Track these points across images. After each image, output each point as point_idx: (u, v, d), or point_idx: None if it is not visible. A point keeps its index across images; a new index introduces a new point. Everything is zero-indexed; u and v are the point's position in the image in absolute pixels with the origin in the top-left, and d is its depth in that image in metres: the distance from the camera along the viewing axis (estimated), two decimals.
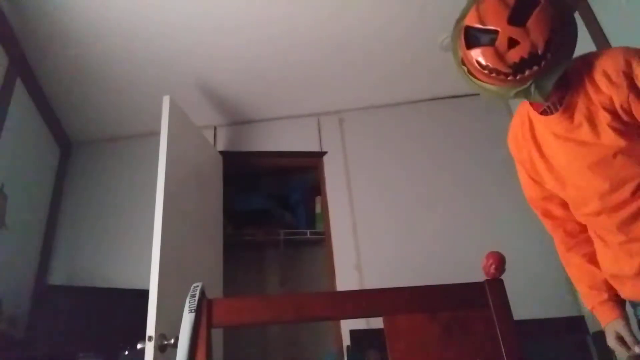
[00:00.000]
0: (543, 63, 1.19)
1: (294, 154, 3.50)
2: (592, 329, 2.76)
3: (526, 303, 2.12)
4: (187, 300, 1.36)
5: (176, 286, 1.99)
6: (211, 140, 3.43)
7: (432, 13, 2.83)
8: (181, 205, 2.47)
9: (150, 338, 1.88)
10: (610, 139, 1.27)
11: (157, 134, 2.47)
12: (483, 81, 1.28)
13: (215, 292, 2.72)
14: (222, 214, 3.13)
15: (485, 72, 1.24)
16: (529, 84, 1.22)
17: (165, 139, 2.43)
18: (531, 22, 1.19)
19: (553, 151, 1.41)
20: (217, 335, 2.62)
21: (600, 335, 2.66)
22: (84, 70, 2.89)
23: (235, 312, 1.43)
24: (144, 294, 2.03)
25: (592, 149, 1.31)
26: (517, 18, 1.19)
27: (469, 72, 1.30)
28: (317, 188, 3.54)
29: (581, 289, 1.57)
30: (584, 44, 2.68)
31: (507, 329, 1.35)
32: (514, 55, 1.19)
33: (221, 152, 3.36)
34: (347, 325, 2.77)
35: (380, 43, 3.02)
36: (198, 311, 1.34)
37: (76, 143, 3.44)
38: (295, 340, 3.44)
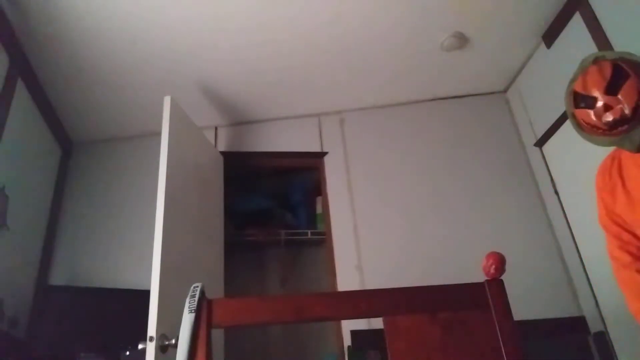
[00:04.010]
0: (631, 123, 1.49)
1: (294, 155, 3.50)
2: (593, 329, 2.76)
3: (526, 303, 2.12)
4: (187, 300, 1.37)
5: (177, 286, 2.00)
6: (212, 140, 3.43)
7: (433, 14, 2.84)
8: (182, 205, 2.48)
9: (151, 338, 1.89)
10: None
11: (158, 134, 2.48)
12: (587, 132, 1.61)
13: (216, 292, 2.72)
14: (223, 214, 3.13)
15: (588, 127, 1.57)
16: (620, 137, 1.53)
17: (166, 139, 2.44)
18: (622, 93, 1.49)
19: (636, 183, 1.64)
20: (218, 335, 2.63)
21: (601, 335, 2.67)
22: (85, 71, 2.90)
23: (235, 312, 1.43)
24: (145, 294, 2.03)
25: None
26: (611, 89, 1.50)
27: (578, 124, 1.63)
28: (318, 188, 3.54)
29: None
30: (585, 44, 2.69)
31: (507, 329, 1.35)
32: (608, 117, 1.50)
33: (222, 153, 3.36)
34: (348, 326, 2.78)
35: (382, 44, 3.02)
36: (198, 311, 1.34)
37: (77, 143, 3.45)
38: (296, 340, 3.44)
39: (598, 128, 1.54)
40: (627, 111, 1.48)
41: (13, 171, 2.66)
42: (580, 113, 1.58)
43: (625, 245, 1.69)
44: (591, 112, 1.54)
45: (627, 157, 1.67)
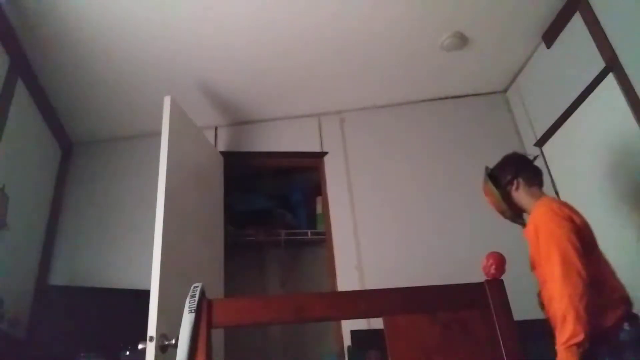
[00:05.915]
0: (505, 215, 2.20)
1: (294, 154, 3.50)
2: None
3: (526, 303, 2.12)
4: (187, 300, 1.37)
5: (177, 286, 2.00)
6: (212, 140, 3.43)
7: (433, 14, 2.84)
8: (182, 205, 2.48)
9: (151, 338, 1.88)
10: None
11: (158, 134, 2.48)
12: None
13: (216, 292, 2.72)
14: (222, 214, 3.13)
15: None
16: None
17: (166, 139, 2.44)
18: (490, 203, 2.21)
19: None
20: (218, 335, 2.62)
21: None
22: (85, 71, 2.90)
23: (235, 312, 1.44)
24: (145, 294, 2.03)
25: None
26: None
27: None
28: (317, 188, 3.54)
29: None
30: (585, 44, 2.69)
31: (507, 329, 1.35)
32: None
33: (222, 153, 3.36)
34: (348, 326, 2.77)
35: (381, 44, 3.02)
36: (198, 311, 1.35)
37: (77, 143, 3.44)
38: (295, 340, 3.44)
39: None
40: (499, 213, 2.19)
41: (13, 171, 2.66)
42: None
43: None
44: None
45: None
